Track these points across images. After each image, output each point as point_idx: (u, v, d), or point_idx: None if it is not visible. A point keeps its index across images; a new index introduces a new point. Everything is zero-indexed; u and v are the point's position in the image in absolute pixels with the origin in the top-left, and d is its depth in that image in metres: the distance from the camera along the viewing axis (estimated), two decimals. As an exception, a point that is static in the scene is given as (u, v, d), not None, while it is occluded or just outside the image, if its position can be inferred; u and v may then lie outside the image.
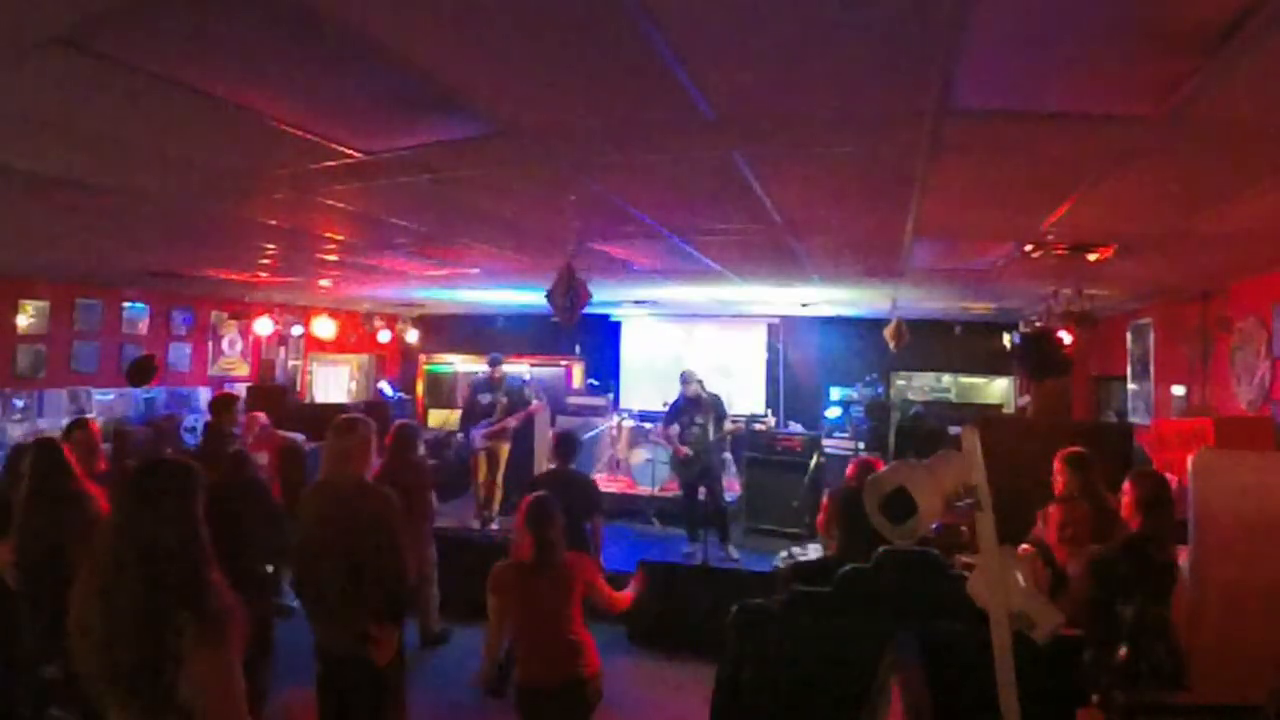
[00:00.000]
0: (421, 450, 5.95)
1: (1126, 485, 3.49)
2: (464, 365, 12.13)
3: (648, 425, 9.99)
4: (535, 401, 8.56)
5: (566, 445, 5.36)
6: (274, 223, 4.39)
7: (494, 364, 8.53)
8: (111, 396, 8.16)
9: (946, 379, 10.90)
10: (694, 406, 7.72)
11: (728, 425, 8.01)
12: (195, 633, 1.93)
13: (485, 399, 8.24)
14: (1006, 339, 7.89)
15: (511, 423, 8.12)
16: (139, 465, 2.30)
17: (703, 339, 11.12)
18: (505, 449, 8.09)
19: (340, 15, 1.76)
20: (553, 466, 5.41)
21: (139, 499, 2.09)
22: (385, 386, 11.64)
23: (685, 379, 7.87)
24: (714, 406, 7.75)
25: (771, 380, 10.87)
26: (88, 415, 7.26)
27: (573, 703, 3.41)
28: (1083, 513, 3.53)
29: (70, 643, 2.03)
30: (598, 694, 3.51)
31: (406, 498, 5.54)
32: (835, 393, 10.17)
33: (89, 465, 4.01)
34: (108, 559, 2.05)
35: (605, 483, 9.49)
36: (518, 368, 11.07)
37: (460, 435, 8.39)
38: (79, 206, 3.86)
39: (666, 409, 8.22)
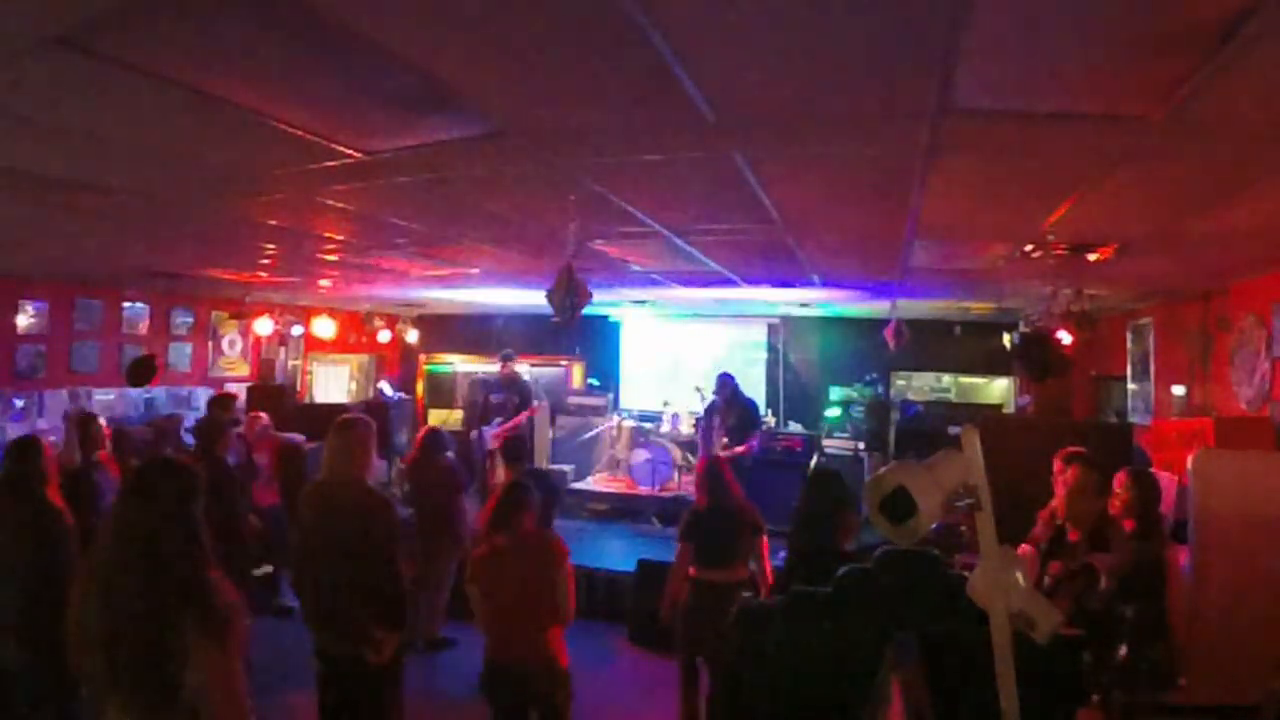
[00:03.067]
0: (450, 455, 5.98)
1: (1118, 485, 3.49)
2: (464, 365, 12.13)
3: (647, 425, 10.00)
4: (537, 401, 8.56)
5: (512, 451, 5.41)
6: (274, 223, 4.39)
7: (506, 360, 8.48)
8: (112, 396, 8.15)
9: (946, 379, 10.89)
10: (726, 411, 7.75)
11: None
12: (196, 630, 1.94)
13: (497, 397, 8.20)
14: (1006, 339, 7.88)
15: (522, 419, 8.11)
16: (139, 465, 2.30)
17: (703, 339, 11.12)
18: None
19: (340, 15, 1.77)
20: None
21: (139, 498, 2.09)
22: (385, 386, 11.63)
23: (719, 383, 7.91)
24: (744, 412, 7.78)
25: (771, 380, 10.87)
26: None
27: (541, 684, 3.45)
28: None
29: (70, 641, 2.04)
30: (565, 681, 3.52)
31: (431, 502, 5.62)
32: (835, 393, 10.17)
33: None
34: (108, 558, 2.05)
35: (605, 483, 9.50)
36: (517, 368, 11.07)
37: (474, 434, 8.33)
38: (79, 206, 3.86)
39: (704, 410, 8.29)
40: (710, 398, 8.27)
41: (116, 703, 1.96)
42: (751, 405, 8.15)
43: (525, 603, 3.42)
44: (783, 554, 6.20)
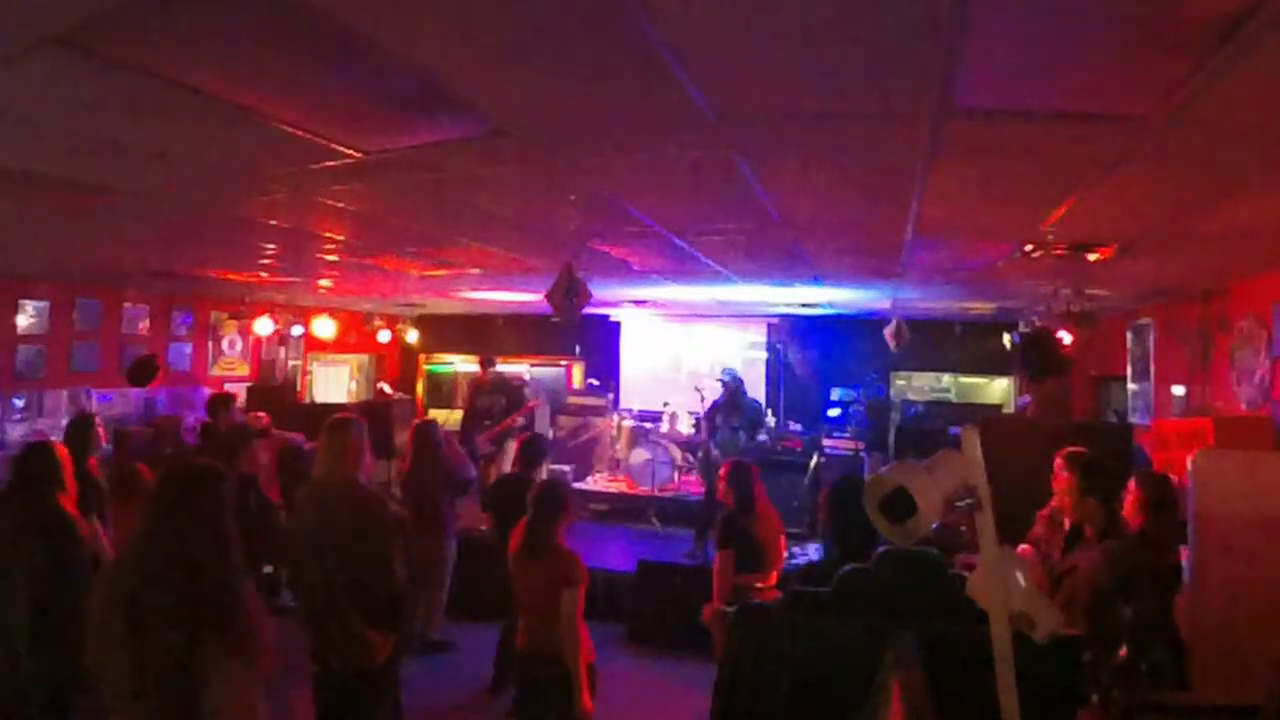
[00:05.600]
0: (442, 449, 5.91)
1: (1131, 485, 3.49)
2: (464, 365, 12.14)
3: (648, 425, 10.00)
4: (534, 398, 8.56)
5: (530, 452, 5.25)
6: (274, 223, 4.39)
7: (485, 365, 8.54)
8: (112, 396, 8.15)
9: (946, 379, 10.90)
10: (729, 408, 7.73)
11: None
12: (220, 645, 1.91)
13: (483, 401, 8.23)
14: (1006, 339, 7.89)
15: (519, 420, 8.09)
16: (166, 471, 2.25)
17: (703, 339, 11.12)
18: (513, 448, 8.05)
19: (340, 15, 1.76)
20: (515, 471, 5.35)
21: (167, 509, 2.05)
22: (385, 387, 11.63)
23: (723, 379, 7.87)
24: (749, 411, 7.76)
25: (771, 380, 10.87)
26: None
27: (563, 677, 3.48)
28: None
29: (90, 649, 2.01)
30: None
31: (425, 499, 5.58)
32: (835, 393, 10.17)
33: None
34: (134, 568, 2.01)
35: (605, 483, 9.51)
36: (517, 368, 11.07)
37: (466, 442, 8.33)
38: (79, 206, 3.86)
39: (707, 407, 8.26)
40: (715, 391, 8.21)
41: (132, 709, 1.93)
42: (757, 404, 8.13)
43: (549, 604, 3.49)
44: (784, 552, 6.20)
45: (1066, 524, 3.67)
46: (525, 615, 3.69)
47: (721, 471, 4.79)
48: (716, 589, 4.33)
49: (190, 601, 1.93)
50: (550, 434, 9.72)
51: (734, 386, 7.80)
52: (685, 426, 9.70)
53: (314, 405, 10.07)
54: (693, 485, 8.87)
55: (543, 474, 5.42)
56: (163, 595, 1.93)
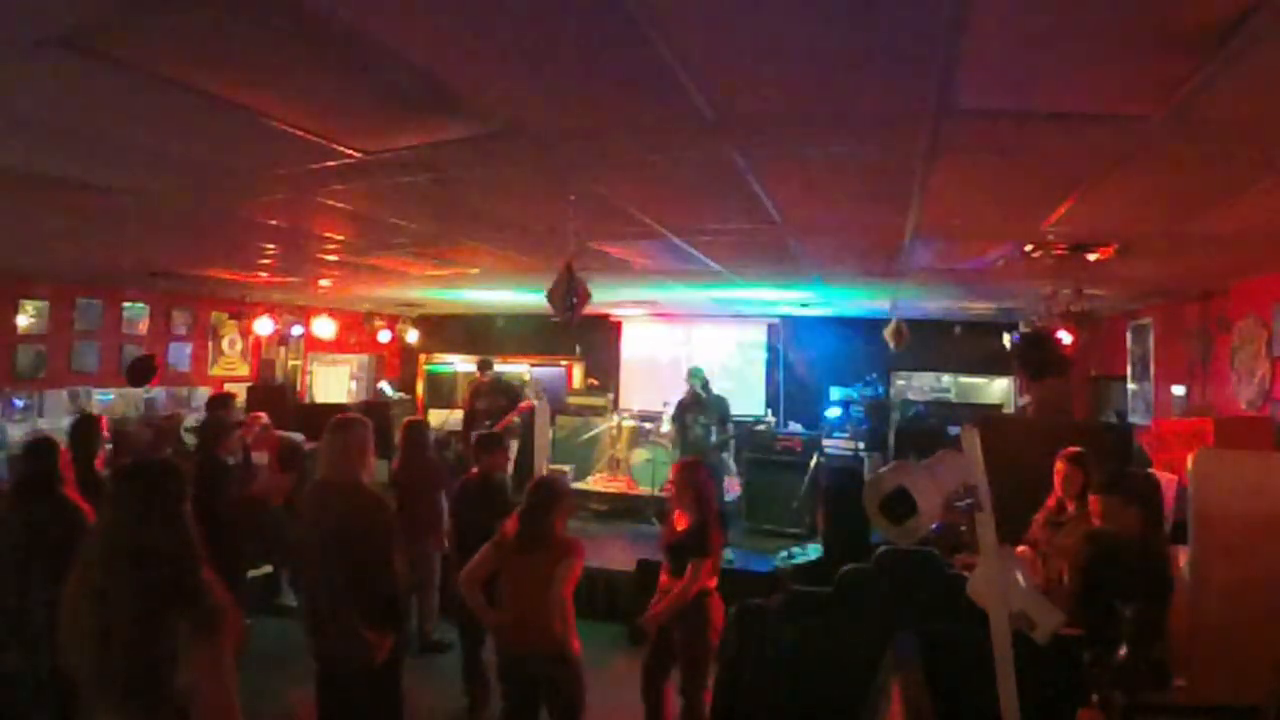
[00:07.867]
0: (432, 449, 5.91)
1: None
2: (464, 365, 12.14)
3: (648, 425, 9.99)
4: (526, 399, 8.54)
5: (484, 448, 5.06)
6: (274, 223, 4.39)
7: (482, 368, 8.57)
8: (111, 396, 8.15)
9: (946, 379, 10.90)
10: (695, 406, 7.70)
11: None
12: (189, 631, 1.94)
13: (481, 404, 8.25)
14: (1006, 339, 7.88)
15: (515, 419, 8.10)
16: (126, 468, 2.30)
17: (703, 339, 11.11)
18: (513, 448, 8.05)
19: (340, 15, 1.77)
20: (478, 474, 5.15)
21: (126, 501, 2.09)
22: (385, 387, 11.63)
23: (687, 378, 7.85)
24: (716, 408, 7.73)
25: (771, 380, 10.86)
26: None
27: (553, 672, 3.44)
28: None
29: (63, 645, 2.03)
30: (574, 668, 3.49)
31: (416, 498, 5.55)
32: (835, 393, 10.17)
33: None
34: (99, 561, 2.05)
35: (605, 483, 9.50)
36: (517, 368, 11.06)
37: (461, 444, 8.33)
38: (79, 206, 3.86)
39: (671, 407, 8.23)
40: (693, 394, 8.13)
41: (108, 704, 1.96)
42: (722, 399, 8.08)
43: (541, 595, 3.40)
44: (785, 552, 6.18)
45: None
46: (517, 611, 3.51)
47: (672, 474, 4.56)
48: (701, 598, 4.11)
49: (150, 589, 1.96)
50: (550, 434, 9.71)
51: (697, 384, 7.77)
52: (685, 426, 9.70)
53: (314, 405, 10.07)
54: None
55: (506, 467, 5.28)
56: (124, 585, 1.96)
